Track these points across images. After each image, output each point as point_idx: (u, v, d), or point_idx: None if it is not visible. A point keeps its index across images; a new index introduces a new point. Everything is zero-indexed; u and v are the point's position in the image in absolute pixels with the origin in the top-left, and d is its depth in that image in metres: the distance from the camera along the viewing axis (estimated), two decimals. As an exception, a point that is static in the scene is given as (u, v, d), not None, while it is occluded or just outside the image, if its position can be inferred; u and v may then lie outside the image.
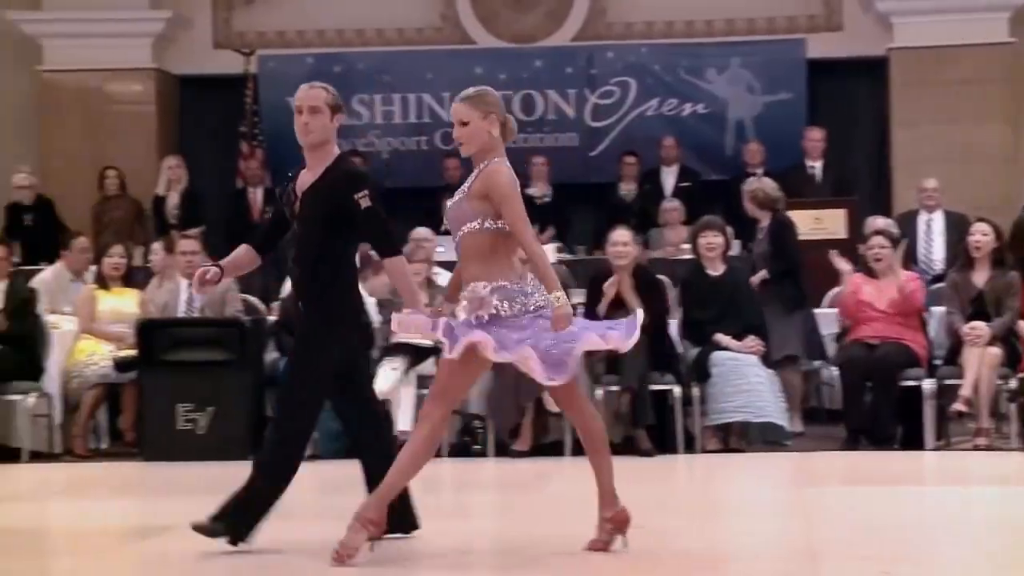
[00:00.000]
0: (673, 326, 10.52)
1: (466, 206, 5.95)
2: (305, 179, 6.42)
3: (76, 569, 6.54)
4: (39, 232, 13.46)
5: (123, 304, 10.98)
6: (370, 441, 6.56)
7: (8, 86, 15.11)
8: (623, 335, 6.15)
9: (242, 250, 6.68)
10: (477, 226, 5.93)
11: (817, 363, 11.07)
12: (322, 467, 9.14)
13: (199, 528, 6.21)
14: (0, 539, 7.26)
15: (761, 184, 11.22)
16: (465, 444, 10.29)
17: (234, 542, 6.21)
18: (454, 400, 6.36)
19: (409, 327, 6.15)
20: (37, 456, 10.18)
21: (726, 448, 10.15)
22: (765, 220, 10.92)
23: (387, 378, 9.94)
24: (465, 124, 6.02)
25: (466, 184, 6.03)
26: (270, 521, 6.29)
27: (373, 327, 9.98)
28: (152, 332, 10.38)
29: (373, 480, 6.34)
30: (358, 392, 6.54)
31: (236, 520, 6.22)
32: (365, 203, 6.25)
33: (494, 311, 5.87)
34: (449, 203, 6.05)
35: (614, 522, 6.24)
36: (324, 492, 8.70)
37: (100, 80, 15.11)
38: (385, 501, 6.03)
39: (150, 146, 15.02)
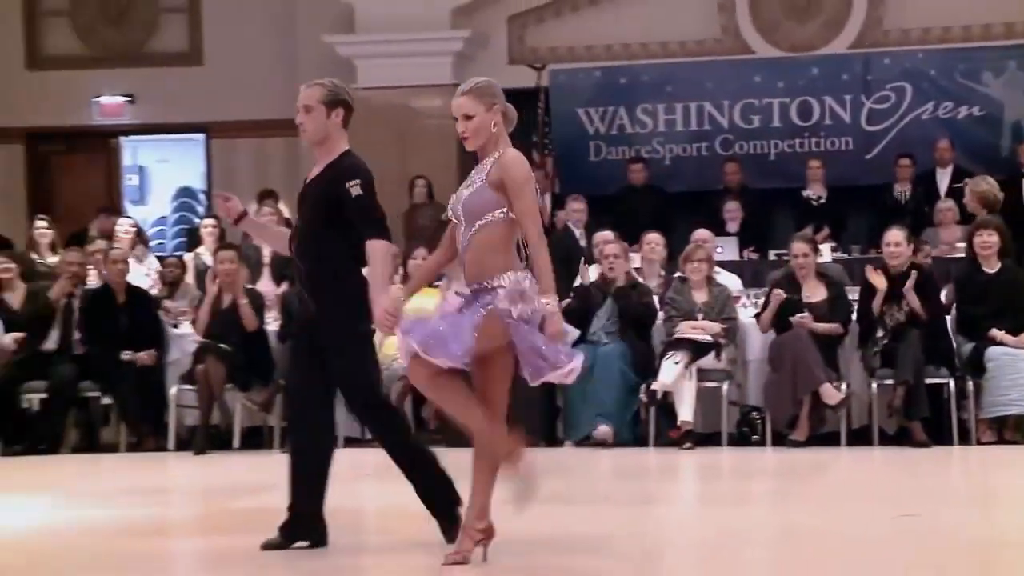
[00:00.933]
0: (948, 322, 10.28)
1: (488, 195, 5.56)
2: (312, 175, 6.21)
3: (387, 544, 6.71)
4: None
5: (428, 303, 11.16)
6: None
7: (325, 103, 15.57)
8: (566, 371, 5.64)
9: (279, 231, 6.72)
10: (501, 215, 5.55)
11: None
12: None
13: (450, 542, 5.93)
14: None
15: (990, 185, 10.89)
16: (744, 434, 10.21)
17: (455, 519, 5.99)
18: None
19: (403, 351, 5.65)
20: (351, 441, 10.45)
21: (1001, 440, 9.87)
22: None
23: (669, 371, 9.93)
24: (470, 118, 5.69)
25: (480, 175, 5.63)
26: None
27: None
28: (453, 328, 10.57)
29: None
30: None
31: (444, 507, 6.09)
32: (356, 191, 6.00)
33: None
34: (464, 194, 5.64)
35: (485, 532, 5.70)
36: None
37: (406, 96, 15.47)
38: (482, 507, 5.66)
39: (451, 157, 15.27)
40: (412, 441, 6.37)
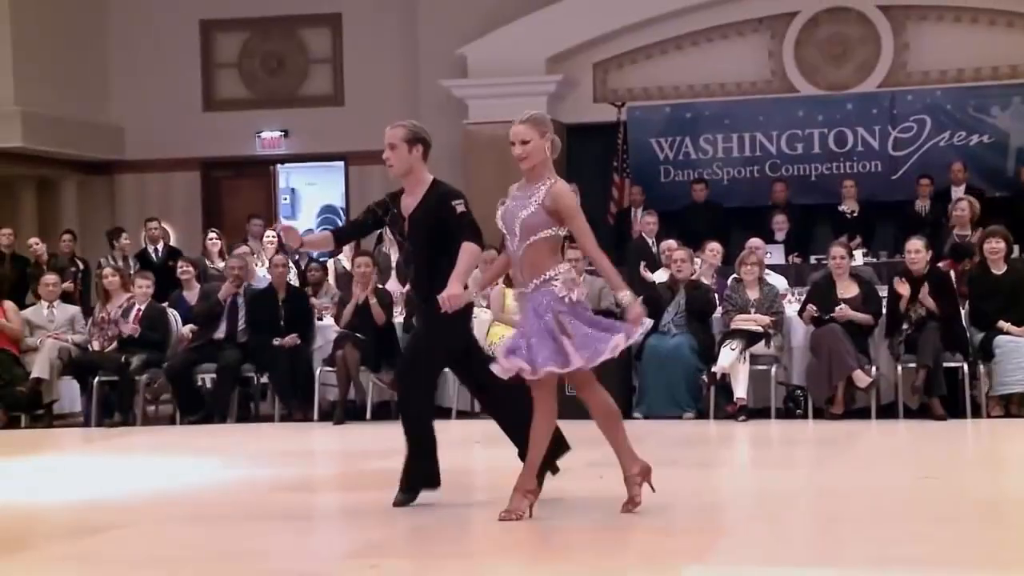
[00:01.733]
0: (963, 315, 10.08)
1: (543, 217, 5.55)
2: (407, 203, 6.07)
3: (492, 500, 6.69)
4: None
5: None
6: (502, 396, 6.11)
7: (442, 137, 15.38)
8: (624, 337, 5.66)
9: (324, 233, 6.55)
10: (552, 232, 5.57)
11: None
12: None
13: (398, 504, 5.95)
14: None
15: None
16: (789, 409, 10.09)
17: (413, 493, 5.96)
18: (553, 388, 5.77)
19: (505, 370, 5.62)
20: (462, 414, 10.46)
21: (1007, 415, 9.64)
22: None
23: (727, 356, 9.83)
24: (526, 143, 5.64)
25: (536, 199, 5.59)
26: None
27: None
28: (547, 320, 10.52)
29: (511, 430, 6.11)
30: (481, 363, 6.10)
31: (414, 483, 5.97)
32: (460, 208, 5.92)
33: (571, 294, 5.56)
34: (523, 215, 5.59)
35: (642, 474, 5.77)
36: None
37: (508, 130, 15.38)
38: (534, 471, 5.68)
39: (546, 179, 15.27)
40: (426, 426, 6.05)
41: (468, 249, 5.90)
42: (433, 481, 6.03)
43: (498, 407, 6.22)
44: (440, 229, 5.97)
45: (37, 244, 13.37)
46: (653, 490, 5.78)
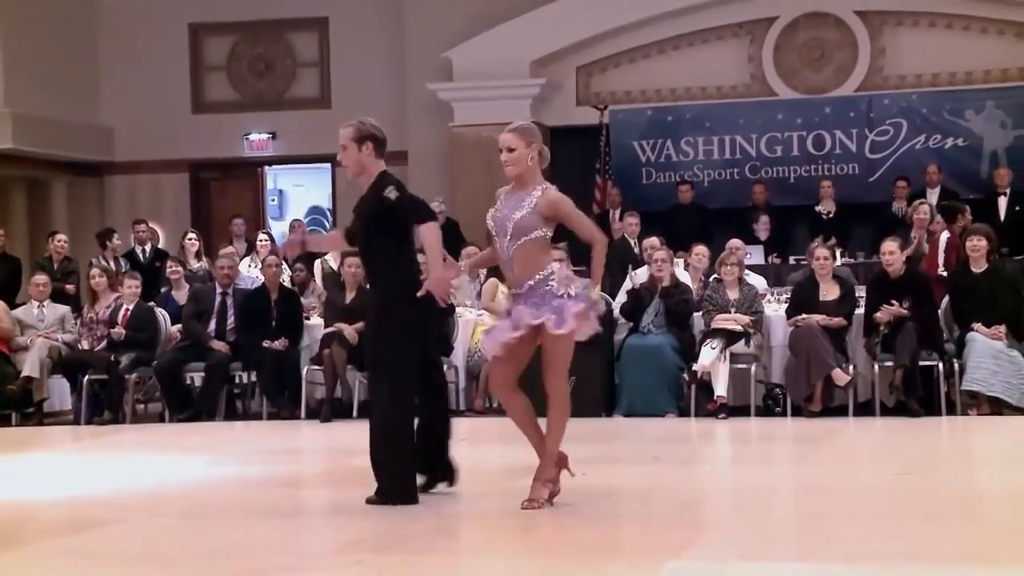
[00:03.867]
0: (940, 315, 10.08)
1: (534, 220, 5.73)
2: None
3: (476, 497, 6.69)
4: (447, 244, 13.71)
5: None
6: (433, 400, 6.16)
7: (429, 139, 15.61)
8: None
9: (334, 233, 6.59)
10: (541, 234, 5.76)
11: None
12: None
13: (371, 502, 5.88)
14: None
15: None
16: (769, 407, 10.10)
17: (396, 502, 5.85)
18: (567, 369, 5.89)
19: (496, 338, 5.78)
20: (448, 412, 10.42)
21: (979, 412, 9.63)
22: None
23: (707, 355, 9.82)
24: (512, 150, 5.78)
25: (529, 203, 5.74)
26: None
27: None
28: (531, 319, 10.51)
29: (425, 428, 6.05)
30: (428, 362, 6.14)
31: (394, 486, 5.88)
32: (391, 196, 5.83)
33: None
34: (515, 216, 5.74)
35: (559, 464, 5.89)
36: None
37: (493, 131, 15.20)
38: (552, 461, 5.81)
39: (529, 180, 15.26)
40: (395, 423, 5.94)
41: (425, 231, 5.88)
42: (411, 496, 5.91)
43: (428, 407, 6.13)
44: (376, 221, 5.91)
45: (63, 243, 13.09)
46: (572, 472, 5.87)
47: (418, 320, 5.97)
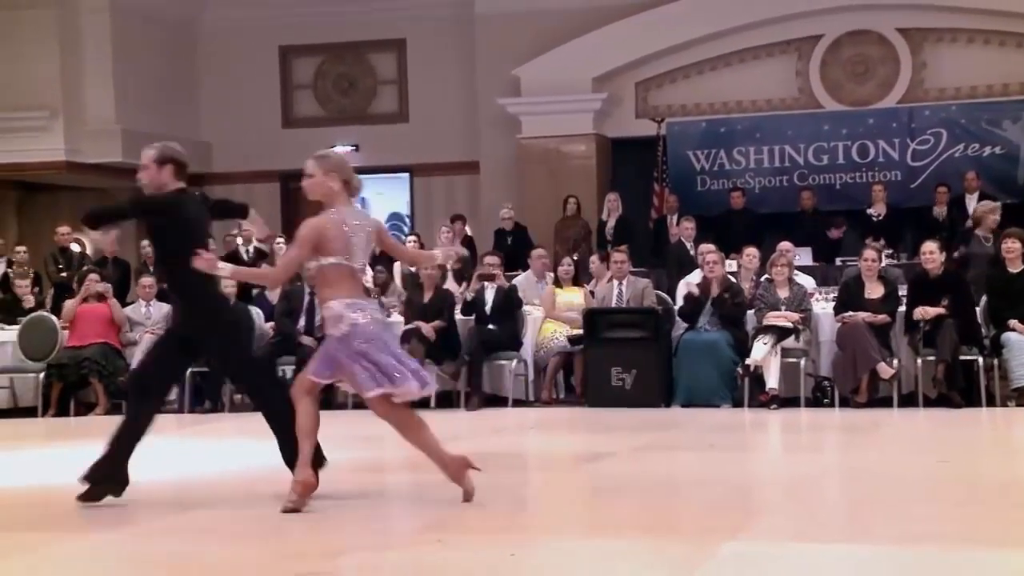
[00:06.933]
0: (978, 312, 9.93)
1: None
2: None
3: (546, 480, 6.68)
4: (516, 248, 13.83)
5: (573, 297, 11.16)
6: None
7: (498, 150, 15.63)
8: (418, 387, 5.42)
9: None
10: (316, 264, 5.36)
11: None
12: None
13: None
14: (497, 459, 7.50)
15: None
16: (817, 398, 9.98)
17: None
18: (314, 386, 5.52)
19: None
20: (519, 402, 10.46)
21: (1019, 404, 9.48)
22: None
23: (760, 350, 9.74)
24: (311, 176, 5.45)
25: None
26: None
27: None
28: (594, 317, 10.49)
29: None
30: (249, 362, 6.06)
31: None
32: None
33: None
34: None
35: (464, 467, 5.56)
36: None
37: (558, 143, 15.42)
38: (306, 464, 5.43)
39: (592, 188, 15.25)
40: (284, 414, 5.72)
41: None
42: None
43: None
44: (153, 231, 5.94)
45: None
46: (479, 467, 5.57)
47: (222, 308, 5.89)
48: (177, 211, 5.78)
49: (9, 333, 11.21)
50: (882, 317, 9.74)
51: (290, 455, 5.70)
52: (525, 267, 12.25)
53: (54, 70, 14.96)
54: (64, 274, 13.07)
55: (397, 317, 10.97)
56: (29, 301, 11.94)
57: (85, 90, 15.14)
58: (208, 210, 6.09)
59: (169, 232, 5.77)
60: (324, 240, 5.35)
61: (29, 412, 11.00)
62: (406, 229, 16.79)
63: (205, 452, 8.24)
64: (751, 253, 10.96)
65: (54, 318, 11.39)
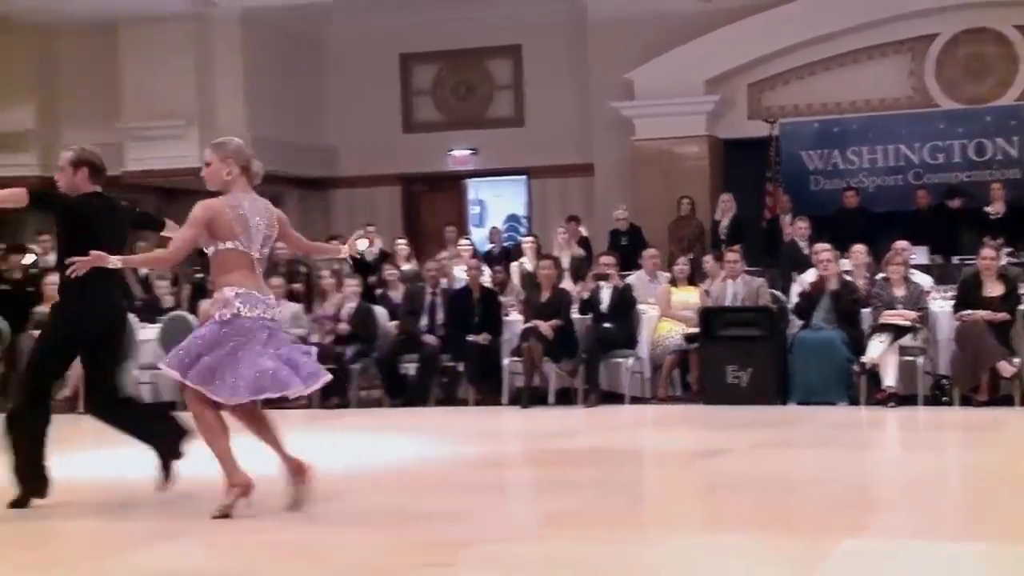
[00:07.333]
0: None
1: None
2: None
3: (662, 476, 6.66)
4: (630, 248, 13.75)
5: (688, 296, 11.08)
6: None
7: (612, 152, 15.60)
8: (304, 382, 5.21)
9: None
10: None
11: None
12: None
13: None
14: (614, 456, 7.50)
15: None
16: (936, 396, 9.75)
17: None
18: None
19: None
20: (635, 399, 10.44)
21: None
22: None
23: (876, 348, 9.57)
24: (208, 165, 5.30)
25: None
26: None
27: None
28: (709, 316, 10.40)
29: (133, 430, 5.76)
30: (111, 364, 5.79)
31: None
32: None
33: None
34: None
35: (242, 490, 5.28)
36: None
37: (671, 145, 15.33)
38: (228, 467, 5.26)
39: (705, 189, 15.12)
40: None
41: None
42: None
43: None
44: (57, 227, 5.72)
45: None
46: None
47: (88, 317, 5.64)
48: (76, 211, 5.62)
49: (151, 331, 11.56)
50: (1002, 315, 9.49)
51: (163, 451, 5.72)
52: (639, 267, 12.22)
53: (190, 81, 15.40)
54: (200, 275, 13.43)
55: (516, 316, 11.04)
56: (168, 300, 12.30)
57: (218, 99, 15.55)
58: (129, 217, 6.00)
59: (71, 232, 5.61)
60: (219, 223, 5.24)
61: (169, 407, 11.31)
62: (523, 230, 16.86)
63: (333, 446, 8.40)
64: (858, 250, 10.78)
65: (192, 317, 11.71)
